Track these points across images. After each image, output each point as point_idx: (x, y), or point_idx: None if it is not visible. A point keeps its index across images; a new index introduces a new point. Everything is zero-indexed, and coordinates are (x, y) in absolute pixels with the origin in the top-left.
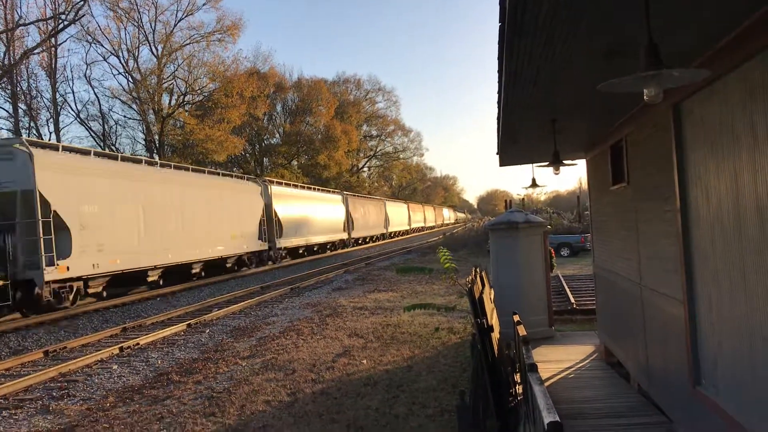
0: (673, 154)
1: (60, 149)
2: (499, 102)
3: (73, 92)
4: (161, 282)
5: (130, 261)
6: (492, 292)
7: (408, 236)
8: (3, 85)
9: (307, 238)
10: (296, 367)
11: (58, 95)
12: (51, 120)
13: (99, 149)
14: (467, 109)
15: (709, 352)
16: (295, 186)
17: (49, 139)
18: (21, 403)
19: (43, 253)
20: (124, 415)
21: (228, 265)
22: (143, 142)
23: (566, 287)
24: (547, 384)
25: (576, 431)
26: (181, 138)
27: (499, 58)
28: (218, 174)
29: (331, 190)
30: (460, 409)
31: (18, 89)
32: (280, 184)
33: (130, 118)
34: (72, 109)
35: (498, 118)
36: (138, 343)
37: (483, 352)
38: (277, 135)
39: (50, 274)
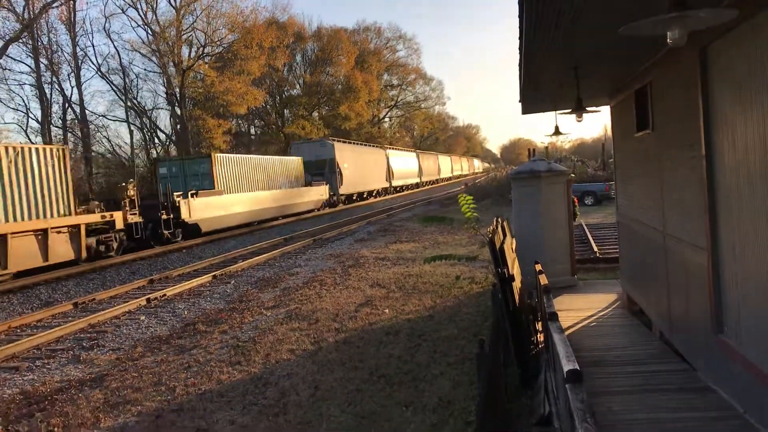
0: (698, 99)
1: (336, 141)
2: (520, 48)
3: (93, 46)
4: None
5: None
6: (514, 241)
7: (437, 185)
8: (24, 39)
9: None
10: (319, 317)
11: (78, 49)
12: (72, 74)
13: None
14: (490, 56)
15: (732, 299)
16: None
17: (71, 94)
18: (53, 353)
19: (337, 184)
20: (152, 365)
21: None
22: (164, 96)
23: (589, 236)
24: (568, 332)
25: (597, 379)
26: (202, 91)
27: (520, 3)
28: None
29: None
30: (479, 357)
31: (39, 44)
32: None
33: (150, 72)
34: (93, 63)
35: (519, 65)
36: (165, 295)
37: (504, 302)
38: (298, 86)
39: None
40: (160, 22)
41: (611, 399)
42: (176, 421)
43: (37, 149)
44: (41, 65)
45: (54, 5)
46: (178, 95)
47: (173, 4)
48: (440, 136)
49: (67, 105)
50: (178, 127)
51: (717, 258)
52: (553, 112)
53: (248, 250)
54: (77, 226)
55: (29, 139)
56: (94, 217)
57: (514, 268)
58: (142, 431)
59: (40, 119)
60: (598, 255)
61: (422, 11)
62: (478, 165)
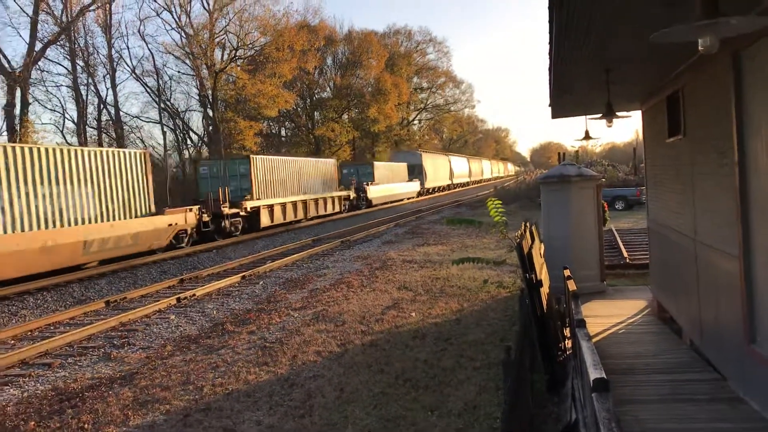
0: (731, 105)
1: (423, 152)
2: (550, 53)
3: (128, 48)
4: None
5: (432, 184)
6: (542, 246)
7: (467, 187)
8: (61, 42)
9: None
10: (346, 319)
11: (113, 51)
12: (108, 76)
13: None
14: (521, 58)
15: (764, 308)
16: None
17: (106, 95)
18: (84, 351)
19: (425, 181)
20: (180, 364)
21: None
22: (197, 98)
23: (619, 241)
24: (596, 339)
25: (625, 387)
26: (234, 93)
27: (550, 7)
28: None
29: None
30: (506, 365)
31: (75, 46)
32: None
33: (183, 74)
34: (127, 65)
35: (549, 69)
36: (194, 294)
37: (531, 307)
38: (328, 89)
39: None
40: (193, 25)
41: (639, 408)
42: (203, 420)
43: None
44: (78, 67)
45: (91, 8)
46: (210, 97)
47: (207, 7)
48: (469, 138)
49: (102, 106)
50: (210, 128)
51: (749, 266)
52: (584, 117)
53: (277, 250)
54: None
55: (65, 139)
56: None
57: (542, 273)
58: (170, 430)
59: (75, 120)
60: (628, 261)
61: (454, 15)
62: (511, 168)
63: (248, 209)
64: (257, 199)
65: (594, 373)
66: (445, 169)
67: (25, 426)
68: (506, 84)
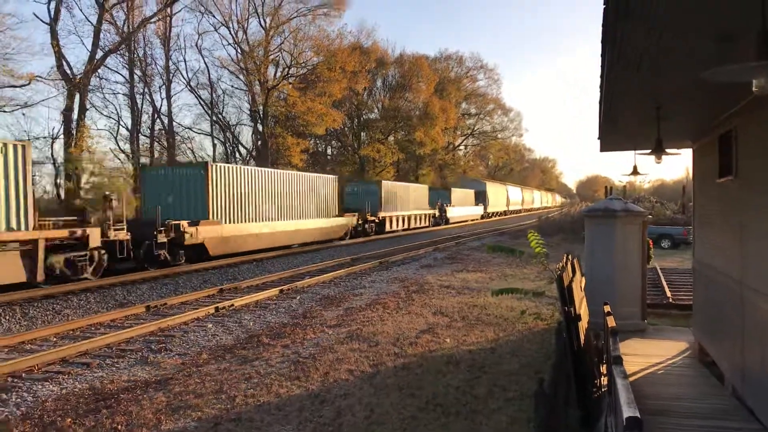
0: None
1: (488, 181)
2: (601, 86)
3: (184, 61)
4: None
5: (493, 209)
6: (583, 280)
7: (520, 214)
8: (121, 51)
9: (495, 209)
10: (380, 340)
11: (170, 63)
12: (163, 87)
13: (207, 115)
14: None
15: None
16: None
17: (161, 105)
18: (123, 353)
19: (487, 206)
20: (215, 372)
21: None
22: (248, 112)
23: (663, 280)
24: (634, 378)
25: (660, 429)
26: (284, 110)
27: (603, 42)
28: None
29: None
30: (537, 396)
31: (135, 56)
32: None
33: (236, 88)
34: (183, 77)
35: (600, 103)
36: (233, 305)
37: (568, 341)
38: (376, 110)
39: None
40: (249, 42)
41: None
42: (234, 430)
43: None
44: (135, 76)
45: (152, 20)
46: (261, 113)
47: (263, 25)
48: (515, 167)
49: (156, 115)
50: (259, 143)
51: None
52: (632, 152)
53: (316, 266)
54: None
55: (118, 146)
56: None
57: (582, 308)
58: None
59: (129, 127)
60: (671, 300)
61: (506, 44)
62: (558, 199)
63: (379, 218)
64: (385, 212)
65: (628, 412)
66: (503, 197)
67: (62, 422)
68: (555, 114)
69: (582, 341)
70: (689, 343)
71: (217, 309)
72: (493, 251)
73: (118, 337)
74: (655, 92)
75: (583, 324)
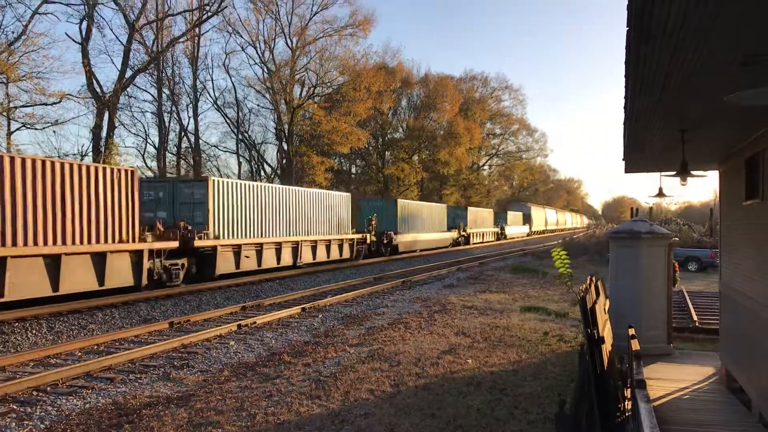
0: None
1: (532, 204)
2: (625, 108)
3: (212, 80)
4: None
5: (535, 229)
6: (607, 302)
7: (544, 235)
8: (150, 70)
9: (536, 228)
10: (401, 360)
11: (198, 82)
12: (190, 105)
13: (233, 134)
14: (597, 111)
15: None
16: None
17: (188, 124)
18: (145, 369)
19: (531, 227)
20: (236, 390)
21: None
22: (274, 131)
23: (689, 303)
24: (658, 402)
25: None
26: (309, 129)
27: (626, 64)
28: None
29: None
30: (558, 418)
31: (163, 75)
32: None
33: (262, 107)
34: (210, 96)
35: (624, 124)
36: (255, 322)
37: (591, 364)
38: (401, 129)
39: (532, 228)
40: (276, 61)
41: None
42: None
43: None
44: (163, 95)
45: (180, 40)
46: (286, 131)
47: (290, 45)
48: (540, 187)
49: (183, 134)
50: (284, 161)
51: None
52: (658, 173)
53: (339, 285)
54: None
55: (145, 163)
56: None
57: (605, 330)
58: None
59: (156, 145)
60: (697, 324)
61: (531, 65)
62: (585, 220)
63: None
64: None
65: None
66: (542, 218)
67: None
68: (581, 134)
69: (605, 364)
70: (716, 368)
71: (239, 326)
72: (516, 272)
73: (141, 352)
74: (680, 115)
75: (607, 347)
